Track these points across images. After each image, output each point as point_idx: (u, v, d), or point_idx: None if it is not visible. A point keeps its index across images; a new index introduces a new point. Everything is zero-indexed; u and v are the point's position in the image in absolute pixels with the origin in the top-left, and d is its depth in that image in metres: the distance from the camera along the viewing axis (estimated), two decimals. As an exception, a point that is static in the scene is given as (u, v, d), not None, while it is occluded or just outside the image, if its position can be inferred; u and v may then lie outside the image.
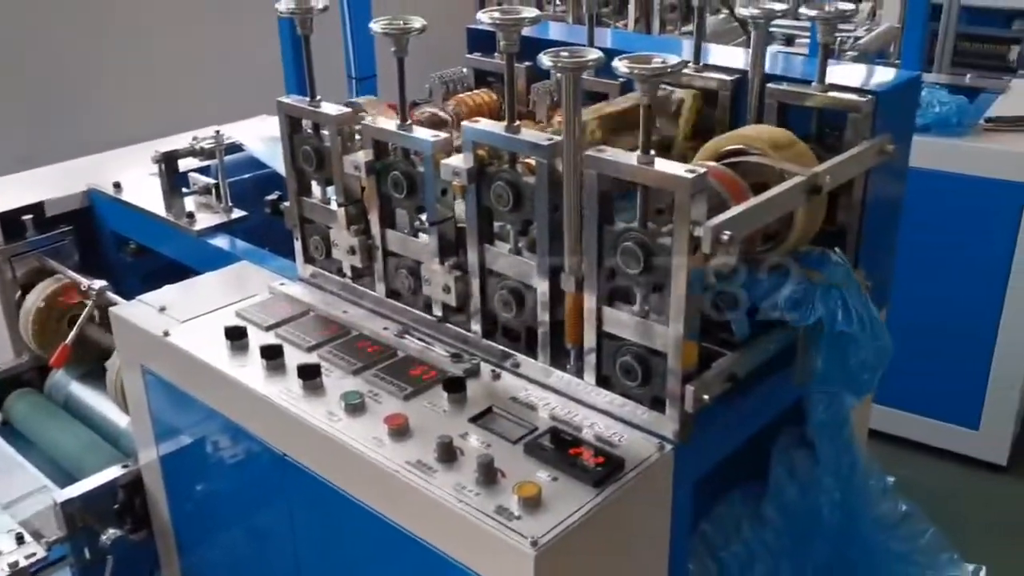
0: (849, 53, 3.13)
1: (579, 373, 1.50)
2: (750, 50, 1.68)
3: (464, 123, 1.51)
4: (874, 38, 3.28)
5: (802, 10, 1.63)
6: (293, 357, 1.63)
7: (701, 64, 1.77)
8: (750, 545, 1.63)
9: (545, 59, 1.35)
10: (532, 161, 1.45)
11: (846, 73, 1.73)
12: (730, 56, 1.86)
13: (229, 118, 2.82)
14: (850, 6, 1.64)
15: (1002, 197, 2.80)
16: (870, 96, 1.57)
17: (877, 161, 1.58)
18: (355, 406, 1.49)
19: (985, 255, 2.89)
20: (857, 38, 3.30)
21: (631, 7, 3.35)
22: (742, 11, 1.65)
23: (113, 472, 2.00)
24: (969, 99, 3.06)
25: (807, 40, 3.64)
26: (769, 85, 1.66)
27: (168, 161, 2.23)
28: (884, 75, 1.71)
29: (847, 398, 1.54)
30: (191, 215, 2.25)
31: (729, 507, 1.64)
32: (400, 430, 1.43)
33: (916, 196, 2.78)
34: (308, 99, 1.75)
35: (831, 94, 1.60)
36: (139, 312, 1.85)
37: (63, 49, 4.01)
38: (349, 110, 1.71)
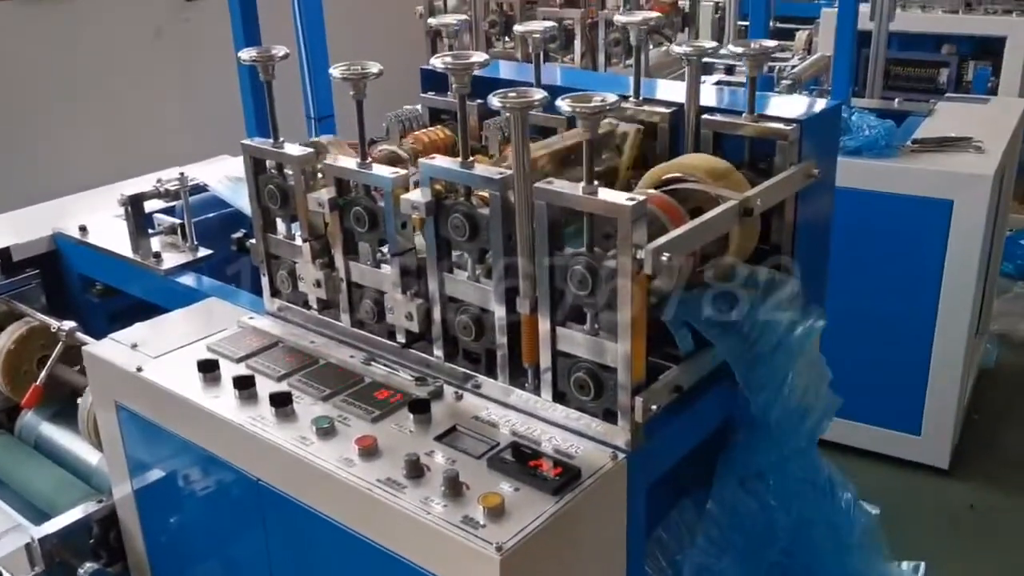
0: (784, 81, 3.29)
1: (537, 391, 1.59)
2: (685, 84, 1.82)
3: (421, 160, 1.61)
4: (807, 66, 3.45)
5: (731, 47, 1.77)
6: (264, 386, 1.71)
7: (641, 98, 1.89)
8: (703, 549, 1.73)
9: (495, 100, 1.46)
10: (486, 193, 1.55)
11: (776, 103, 1.87)
12: (668, 90, 1.99)
13: (188, 159, 2.90)
14: (773, 43, 1.77)
15: (930, 213, 2.96)
16: (795, 124, 1.70)
17: (804, 184, 1.71)
18: (326, 430, 1.58)
19: (917, 268, 3.05)
20: (792, 67, 3.47)
21: (577, 43, 3.48)
22: (676, 49, 1.78)
23: (88, 507, 2.05)
24: (897, 122, 3.24)
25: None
26: (704, 116, 1.79)
27: (135, 203, 2.30)
28: (808, 105, 1.85)
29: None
30: (158, 255, 2.32)
31: (682, 513, 1.74)
32: (369, 450, 1.52)
33: (851, 214, 2.95)
34: (272, 141, 1.84)
35: (760, 124, 1.73)
36: (112, 350, 1.91)
37: (23, 95, 4.05)
38: (311, 151, 1.80)
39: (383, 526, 1.45)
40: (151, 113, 4.50)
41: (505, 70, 2.37)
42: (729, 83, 4.09)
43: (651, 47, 3.50)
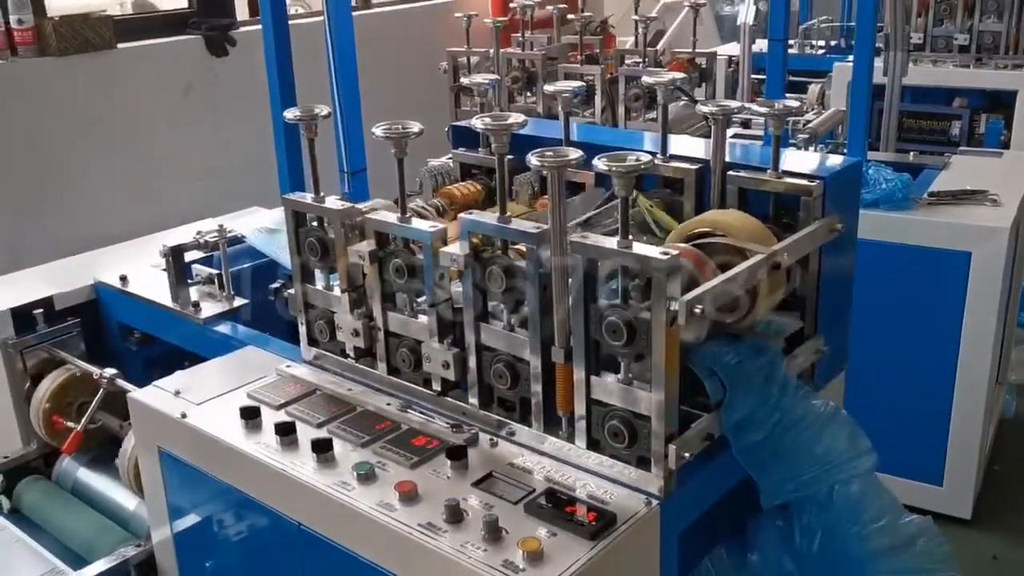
0: (800, 136, 3.36)
1: (571, 438, 1.64)
2: (711, 141, 1.89)
3: (461, 215, 1.68)
4: (823, 121, 3.52)
5: (754, 107, 1.84)
6: (305, 433, 1.76)
7: (668, 155, 1.96)
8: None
9: (534, 159, 1.53)
10: (522, 246, 1.62)
11: (798, 159, 1.94)
12: (693, 146, 2.06)
13: (217, 210, 2.99)
14: (795, 103, 1.84)
15: (948, 265, 3.01)
16: (819, 181, 1.77)
17: (828, 238, 1.77)
18: (366, 475, 1.62)
19: (937, 319, 3.09)
20: (807, 122, 3.55)
21: (597, 98, 3.57)
22: (702, 108, 1.85)
23: (126, 552, 2.10)
24: (913, 175, 3.30)
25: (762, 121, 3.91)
26: (729, 173, 1.86)
27: (175, 254, 2.38)
28: (831, 161, 1.92)
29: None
30: (196, 304, 2.39)
31: (714, 561, 1.77)
32: (410, 495, 1.56)
33: (870, 266, 2.99)
34: (312, 195, 1.92)
35: (785, 180, 1.80)
36: (156, 396, 1.97)
37: (61, 147, 4.18)
38: (352, 205, 1.88)
39: (424, 570, 1.49)
40: (181, 165, 4.62)
41: (531, 127, 2.44)
42: (745, 136, 4.17)
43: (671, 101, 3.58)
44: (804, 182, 1.77)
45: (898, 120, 4.99)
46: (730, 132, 3.88)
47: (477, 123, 1.62)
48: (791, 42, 5.90)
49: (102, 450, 2.43)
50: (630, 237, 1.49)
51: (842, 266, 1.89)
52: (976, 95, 5.35)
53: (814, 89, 5.02)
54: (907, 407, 3.22)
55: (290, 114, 1.88)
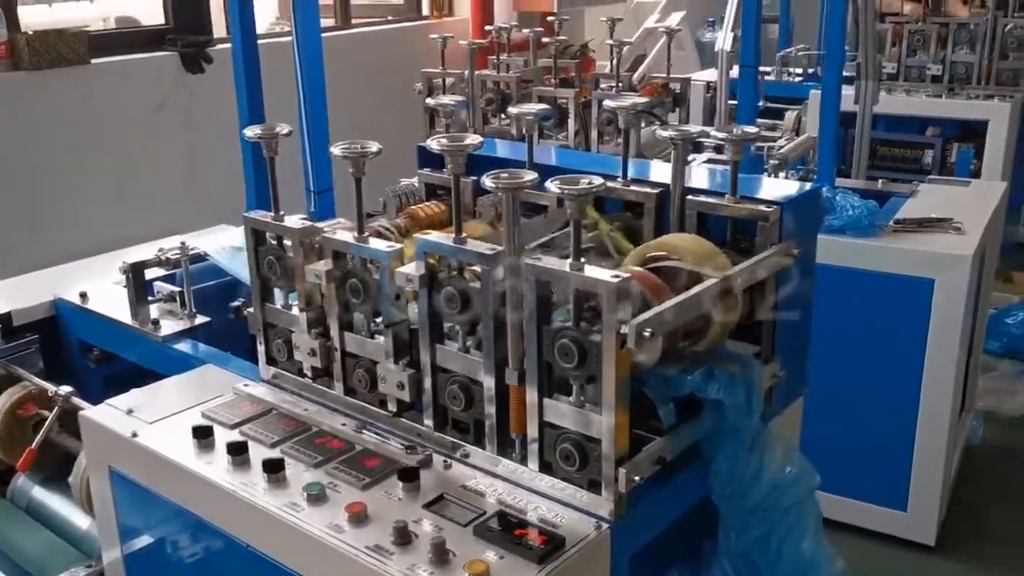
0: (771, 162, 3.39)
1: (523, 461, 1.63)
2: (671, 165, 1.89)
3: (417, 235, 1.68)
4: (794, 147, 3.55)
5: (713, 132, 1.85)
6: (257, 453, 1.74)
7: (628, 179, 1.97)
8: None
9: (488, 181, 1.53)
10: (478, 268, 1.61)
11: (759, 185, 1.95)
12: (654, 171, 2.07)
13: (189, 227, 2.97)
14: (754, 129, 1.86)
15: (912, 292, 3.03)
16: (775, 206, 1.78)
17: (785, 263, 1.78)
18: (316, 496, 1.61)
19: (901, 345, 3.11)
20: (780, 147, 3.58)
21: (570, 121, 3.59)
22: (662, 133, 1.86)
23: (76, 572, 2.07)
24: (880, 202, 3.33)
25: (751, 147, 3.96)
26: (689, 197, 1.87)
27: (136, 271, 2.36)
28: (789, 187, 1.93)
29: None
30: (156, 322, 2.37)
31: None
32: (359, 517, 1.55)
33: (835, 291, 3.02)
34: (272, 214, 1.91)
35: (743, 205, 1.81)
36: (107, 415, 1.94)
37: (30, 163, 4.15)
38: (311, 224, 1.87)
39: (371, 593, 1.48)
40: (153, 182, 4.60)
41: (500, 148, 2.46)
42: (717, 161, 4.19)
43: (643, 126, 3.60)
44: (761, 207, 1.78)
45: (871, 148, 5.06)
46: (703, 157, 3.91)
47: (433, 144, 1.62)
48: (770, 69, 6.00)
49: (58, 469, 2.39)
50: (582, 260, 1.48)
51: (800, 291, 1.89)
52: (949, 124, 5.43)
53: (790, 116, 5.05)
54: (872, 432, 3.23)
55: (251, 132, 1.88)
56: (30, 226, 4.07)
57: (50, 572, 2.13)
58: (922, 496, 3.23)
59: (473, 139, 1.63)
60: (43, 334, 2.57)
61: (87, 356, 2.60)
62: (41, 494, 2.41)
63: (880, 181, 3.86)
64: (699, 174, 2.13)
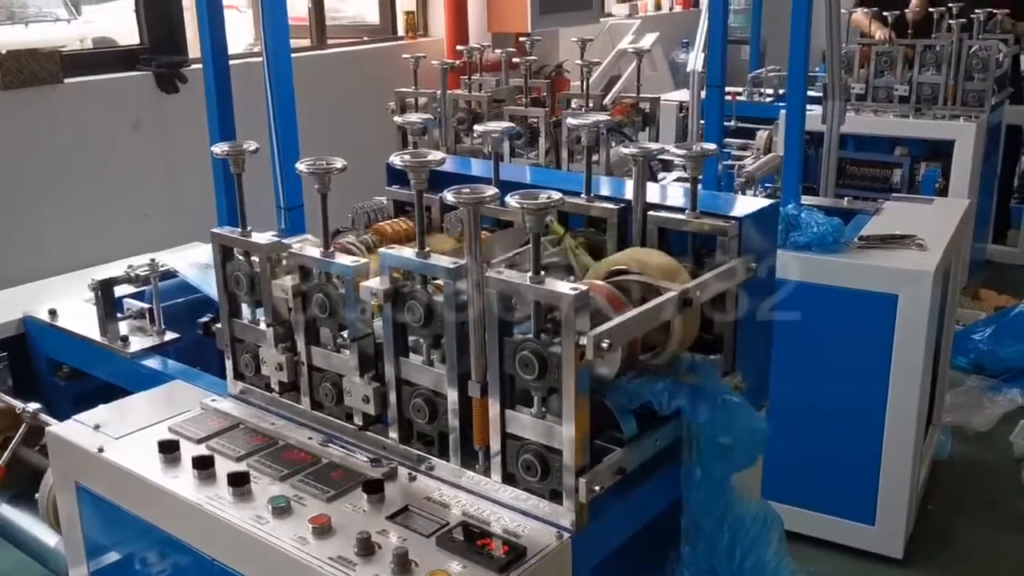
0: (738, 180, 3.45)
1: (487, 472, 1.65)
2: (632, 182, 1.93)
3: (381, 250, 1.70)
4: (760, 165, 3.61)
5: (672, 149, 1.89)
6: (223, 467, 1.75)
7: (592, 195, 2.00)
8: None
9: (449, 196, 1.56)
10: (441, 282, 1.64)
11: (719, 201, 1.99)
12: (617, 187, 2.11)
13: (163, 245, 2.98)
14: (712, 146, 1.90)
15: (876, 307, 3.08)
16: (734, 221, 1.82)
17: (744, 277, 1.82)
18: (281, 509, 1.62)
19: (866, 360, 3.15)
20: (744, 165, 3.63)
21: (541, 140, 3.63)
22: (623, 150, 1.90)
23: (43, 590, 2.06)
24: (845, 220, 3.39)
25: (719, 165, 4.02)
26: (650, 213, 1.91)
27: (104, 288, 2.37)
28: (749, 203, 1.97)
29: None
30: (125, 338, 2.37)
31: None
32: (323, 529, 1.56)
33: (801, 307, 3.04)
34: (240, 230, 1.93)
35: (702, 220, 1.85)
36: (74, 430, 1.95)
37: (3, 184, 4.15)
38: (277, 239, 1.89)
39: (333, 604, 1.49)
40: (127, 201, 4.59)
41: (469, 166, 2.49)
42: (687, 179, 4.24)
43: (613, 145, 3.65)
44: (720, 222, 1.82)
45: (841, 167, 5.14)
46: (672, 176, 3.96)
47: (397, 160, 1.65)
48: (741, 90, 6.08)
49: (26, 486, 2.38)
50: (542, 273, 1.51)
51: (760, 304, 1.94)
52: (916, 144, 5.54)
53: (761, 135, 5.15)
54: (839, 446, 3.27)
55: (218, 149, 1.90)
56: (6, 247, 4.06)
57: (16, 590, 2.12)
58: (889, 510, 3.26)
59: (435, 155, 1.66)
60: (12, 352, 2.57)
61: (56, 373, 2.60)
62: (8, 512, 2.40)
63: (845, 199, 3.93)
64: (673, 191, 2.17)
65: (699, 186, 1.89)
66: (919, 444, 3.30)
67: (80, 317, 2.52)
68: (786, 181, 3.43)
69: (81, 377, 2.57)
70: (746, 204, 1.96)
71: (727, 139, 4.87)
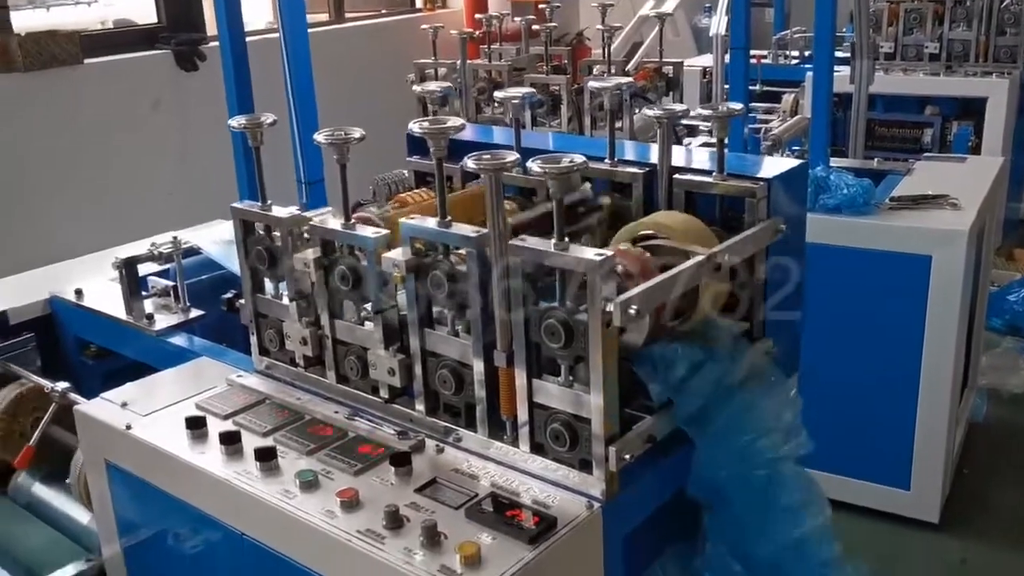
0: (764, 143, 3.38)
1: (515, 443, 1.63)
2: (658, 145, 1.89)
3: (402, 220, 1.67)
4: (787, 128, 3.53)
5: (698, 110, 1.85)
6: (250, 442, 1.74)
7: (616, 160, 1.96)
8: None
9: (470, 162, 1.53)
10: (464, 251, 1.61)
11: (747, 163, 1.95)
12: (642, 152, 2.07)
13: (186, 224, 2.97)
14: (738, 106, 1.85)
15: (909, 269, 3.02)
16: (762, 183, 1.77)
17: (773, 239, 1.77)
18: (309, 483, 1.61)
19: (900, 323, 3.09)
20: (771, 129, 3.56)
21: (563, 108, 3.58)
22: (648, 112, 1.86)
23: (77, 567, 2.07)
24: (876, 181, 3.32)
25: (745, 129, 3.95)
26: (676, 176, 1.86)
27: (128, 267, 2.36)
28: (777, 164, 1.92)
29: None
30: (150, 316, 2.37)
31: (664, 565, 1.76)
32: (351, 503, 1.55)
33: (832, 271, 3.01)
34: (260, 204, 1.91)
35: (729, 182, 1.80)
36: (102, 409, 1.95)
37: (25, 162, 4.16)
38: (298, 213, 1.87)
39: (363, 577, 1.48)
40: (150, 180, 4.60)
41: (490, 134, 2.46)
42: (713, 144, 4.18)
43: (636, 111, 3.59)
44: (747, 184, 1.78)
45: (870, 129, 5.04)
46: (698, 140, 3.90)
47: (415, 127, 1.62)
48: (767, 53, 5.97)
49: (57, 465, 2.39)
50: (566, 239, 1.48)
51: (790, 268, 1.89)
52: (947, 103, 5.41)
53: (788, 99, 5.04)
54: (873, 411, 3.22)
55: (235, 122, 1.88)
56: (26, 226, 4.08)
57: (50, 567, 2.13)
58: (925, 474, 3.22)
59: (454, 121, 1.63)
60: (40, 332, 2.58)
61: (84, 353, 2.61)
62: (41, 491, 2.42)
63: (876, 160, 3.85)
64: (699, 154, 2.12)
65: (725, 148, 1.85)
66: (954, 407, 3.24)
67: (106, 296, 2.52)
68: (814, 143, 3.35)
69: (109, 356, 2.58)
70: (774, 165, 1.92)
71: (752, 104, 4.79)
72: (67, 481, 2.24)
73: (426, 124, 1.61)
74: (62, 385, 2.30)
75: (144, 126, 4.58)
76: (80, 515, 2.28)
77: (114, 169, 4.44)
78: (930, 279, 3.00)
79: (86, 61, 4.30)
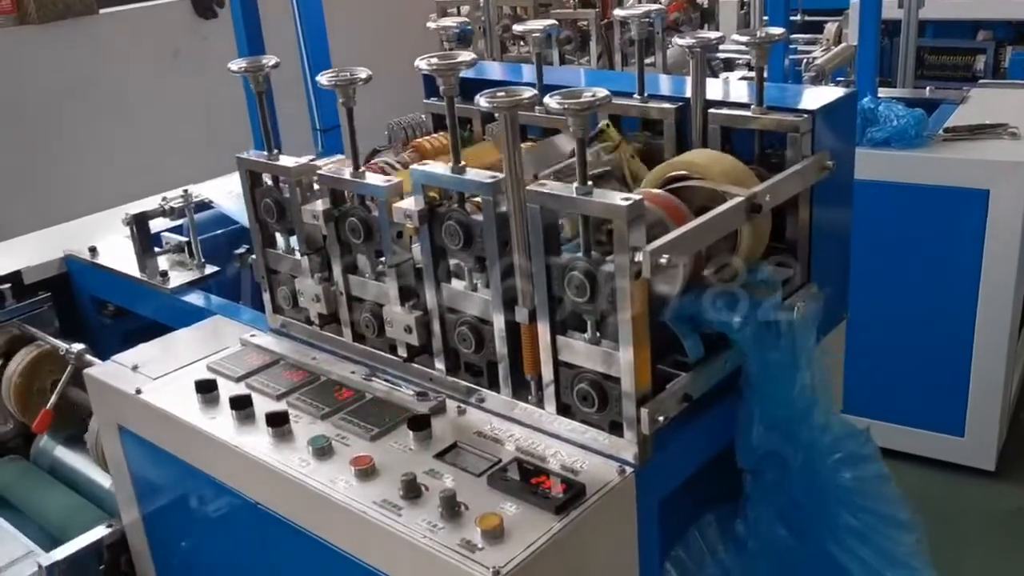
0: (807, 74, 3.18)
1: (540, 404, 1.52)
2: (691, 78, 1.73)
3: (412, 166, 1.55)
4: (831, 57, 3.33)
5: (735, 37, 1.68)
6: (262, 406, 1.66)
7: (645, 95, 1.81)
8: (726, 568, 1.63)
9: (482, 100, 1.39)
10: (480, 199, 1.49)
11: (788, 94, 1.79)
12: (675, 85, 1.91)
13: (207, 178, 2.87)
14: (779, 31, 1.69)
15: (965, 204, 2.84)
16: (807, 115, 1.61)
17: (819, 177, 1.62)
18: (322, 450, 1.52)
19: (954, 262, 2.92)
20: (815, 57, 3.36)
21: (592, 44, 3.41)
22: (679, 41, 1.70)
23: (98, 532, 2.02)
24: (928, 111, 3.12)
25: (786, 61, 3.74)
26: (711, 111, 1.71)
27: (139, 223, 2.28)
28: (821, 94, 1.75)
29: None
30: (165, 274, 2.29)
31: (703, 530, 1.65)
32: (366, 471, 1.46)
33: (882, 209, 2.84)
34: (267, 153, 1.79)
35: (770, 116, 1.65)
36: (112, 372, 1.88)
37: (43, 117, 4.09)
38: (306, 161, 1.75)
39: (380, 550, 1.39)
40: (173, 132, 4.51)
41: (516, 73, 2.31)
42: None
43: (670, 46, 3.41)
44: (790, 117, 1.62)
45: (918, 57, 4.77)
46: (736, 75, 3.71)
47: (422, 64, 1.48)
48: (808, -21, 5.67)
49: (79, 427, 2.34)
50: (590, 183, 1.35)
51: (837, 208, 1.74)
52: (1001, 27, 5.12)
53: (831, 28, 4.79)
54: (925, 356, 3.07)
55: (235, 65, 1.76)
56: (43, 183, 4.03)
57: (73, 533, 2.09)
58: (980, 420, 3.07)
59: (465, 55, 1.49)
60: (56, 292, 2.51)
61: (102, 312, 2.54)
62: (63, 454, 2.37)
63: (928, 88, 3.62)
64: (736, 87, 1.97)
65: (765, 79, 1.69)
66: (1012, 349, 3.07)
67: (121, 254, 2.44)
68: (861, 71, 3.15)
69: (127, 315, 2.51)
70: (819, 95, 1.75)
71: (793, 36, 4.55)
72: (85, 439, 2.19)
73: (435, 60, 1.47)
74: (77, 346, 2.23)
75: (164, 77, 4.48)
76: (102, 479, 2.23)
77: (135, 123, 4.36)
78: (987, 215, 2.82)
79: (101, 11, 4.19)
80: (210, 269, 2.31)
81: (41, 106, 4.07)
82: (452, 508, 1.35)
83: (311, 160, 1.79)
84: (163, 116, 4.47)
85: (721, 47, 3.89)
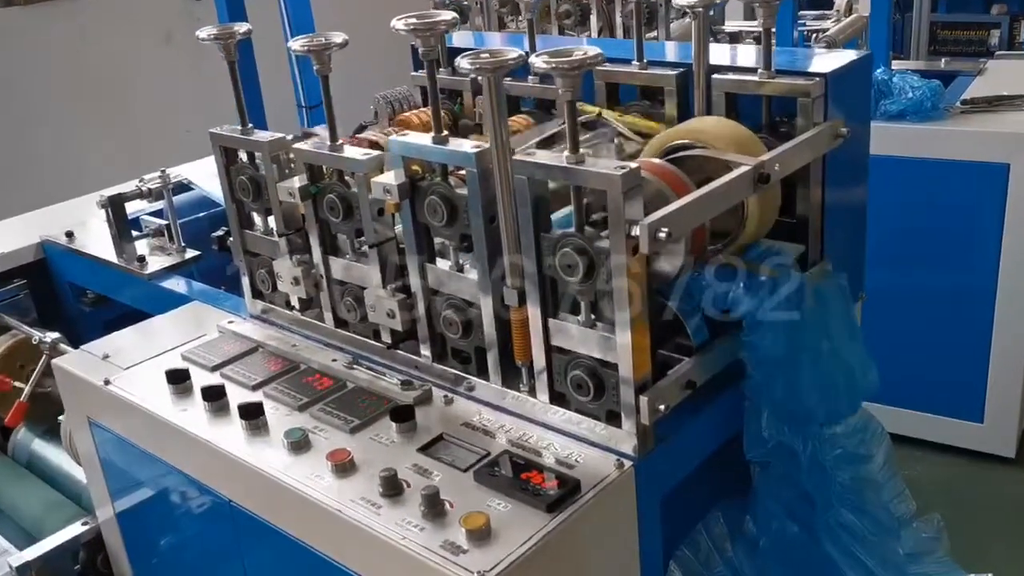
0: (817, 45, 3.05)
1: (533, 392, 1.42)
2: (693, 42, 1.61)
3: (391, 137, 1.44)
4: (843, 27, 3.20)
5: (741, -7, 1.56)
6: (236, 397, 1.55)
7: (645, 61, 1.69)
8: (736, 568, 1.52)
9: (464, 62, 1.28)
10: (464, 171, 1.37)
11: (797, 58, 1.66)
12: (678, 51, 1.79)
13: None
14: (790, -14, 1.56)
15: (984, 179, 2.71)
16: (818, 79, 1.49)
17: (832, 146, 1.50)
18: (297, 443, 1.41)
19: (974, 240, 2.80)
20: (824, 30, 3.23)
21: (593, 17, 3.28)
22: (678, 0, 1.57)
23: (73, 530, 1.93)
24: (945, 83, 2.98)
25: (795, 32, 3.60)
26: (715, 76, 1.59)
27: (114, 205, 2.17)
28: (833, 58, 1.63)
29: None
30: (142, 259, 2.18)
31: (710, 527, 1.54)
32: (344, 466, 1.35)
33: (897, 184, 2.71)
34: (240, 128, 1.68)
35: (778, 80, 1.52)
36: (82, 361, 1.78)
37: (32, 99, 3.98)
38: (281, 136, 1.64)
39: (358, 551, 1.29)
40: (166, 116, 4.40)
41: (519, 43, 2.19)
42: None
43: (673, 19, 3.28)
44: (801, 81, 1.50)
45: (931, 33, 4.63)
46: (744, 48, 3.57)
47: (399, 23, 1.36)
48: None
49: (55, 421, 2.24)
50: (581, 150, 1.23)
51: (852, 179, 1.62)
52: (1016, 0, 4.96)
53: (840, 0, 4.65)
54: (943, 338, 2.96)
55: (203, 33, 1.64)
56: (26, 169, 3.92)
57: (49, 530, 1.99)
58: (1000, 406, 2.96)
59: (445, 15, 1.37)
60: (33, 279, 2.41)
61: (82, 300, 2.44)
62: (41, 447, 2.27)
63: (943, 60, 3.48)
64: (742, 51, 1.85)
65: (773, 43, 1.56)
66: (1033, 332, 2.94)
67: (99, 239, 2.33)
68: (874, 42, 3.01)
69: (108, 303, 2.40)
70: (831, 59, 1.62)
71: (801, 12, 4.42)
72: (61, 433, 2.08)
73: (412, 20, 1.35)
74: (52, 335, 2.13)
75: (157, 60, 4.36)
76: (79, 474, 2.13)
77: (129, 106, 4.24)
78: (1008, 190, 2.69)
79: (88, -9, 4.08)
80: (191, 253, 2.20)
81: (29, 90, 3.96)
82: (435, 506, 1.24)
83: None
84: (155, 100, 4.36)
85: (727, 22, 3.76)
